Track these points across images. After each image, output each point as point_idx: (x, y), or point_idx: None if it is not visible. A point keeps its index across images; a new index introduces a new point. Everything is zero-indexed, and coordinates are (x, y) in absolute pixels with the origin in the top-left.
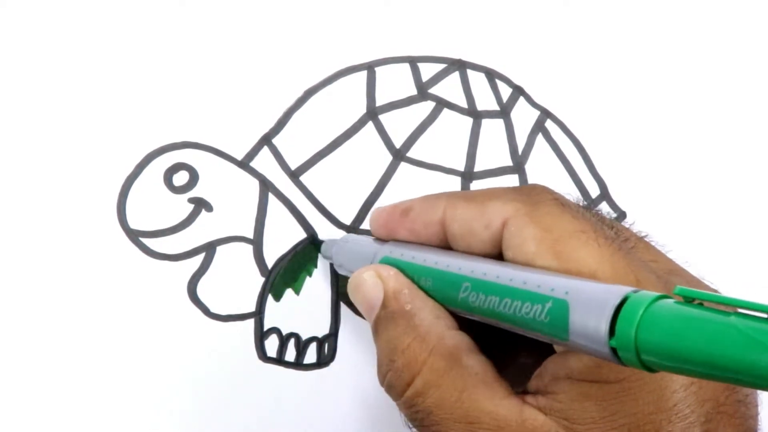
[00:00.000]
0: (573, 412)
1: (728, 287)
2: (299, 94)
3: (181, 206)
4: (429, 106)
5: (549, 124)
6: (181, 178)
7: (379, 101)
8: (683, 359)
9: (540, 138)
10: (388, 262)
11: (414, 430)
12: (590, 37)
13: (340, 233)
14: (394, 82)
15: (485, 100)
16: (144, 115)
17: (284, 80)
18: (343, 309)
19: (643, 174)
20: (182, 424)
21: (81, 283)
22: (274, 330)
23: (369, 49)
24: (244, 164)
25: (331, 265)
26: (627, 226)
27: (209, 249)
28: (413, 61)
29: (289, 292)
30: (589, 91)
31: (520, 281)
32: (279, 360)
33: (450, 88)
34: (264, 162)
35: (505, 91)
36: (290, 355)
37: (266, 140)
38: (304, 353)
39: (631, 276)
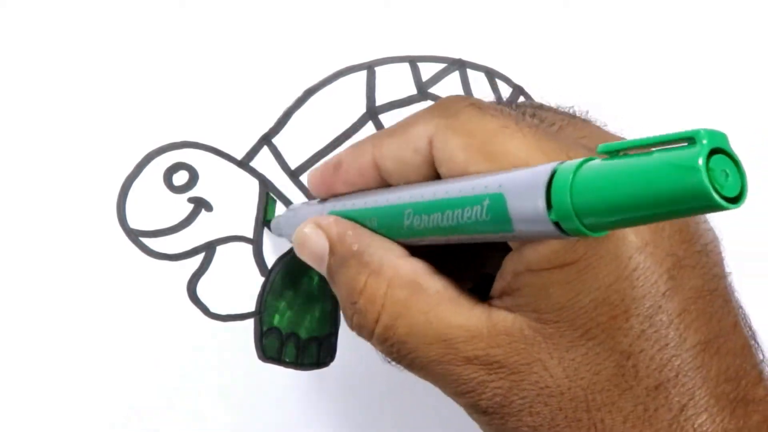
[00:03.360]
0: (539, 302)
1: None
2: (299, 93)
3: (181, 206)
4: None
5: None
6: (181, 178)
7: (379, 101)
8: (621, 208)
9: None
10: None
11: (393, 364)
12: (590, 38)
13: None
14: (394, 82)
15: (485, 100)
16: (144, 115)
17: (284, 80)
18: None
19: None
20: (182, 423)
21: (81, 283)
22: (274, 330)
23: (369, 48)
24: (244, 164)
25: None
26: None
27: (209, 249)
28: (413, 61)
29: (289, 293)
30: (589, 91)
31: (456, 191)
32: (279, 360)
33: (450, 88)
34: (264, 162)
35: (505, 91)
36: (290, 355)
37: (266, 140)
38: (304, 353)
39: (563, 155)
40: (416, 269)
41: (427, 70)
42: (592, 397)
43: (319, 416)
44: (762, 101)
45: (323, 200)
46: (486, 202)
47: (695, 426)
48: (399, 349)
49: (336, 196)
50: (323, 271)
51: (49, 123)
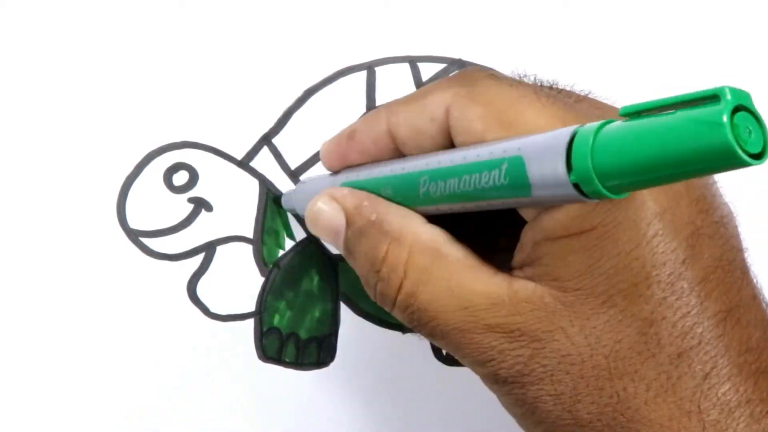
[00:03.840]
0: (559, 270)
1: None
2: (299, 93)
3: (181, 206)
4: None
5: None
6: (181, 178)
7: (379, 101)
8: (643, 168)
9: None
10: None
11: (415, 333)
12: (590, 38)
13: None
14: (394, 82)
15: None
16: (144, 115)
17: (284, 80)
18: (343, 309)
19: None
20: (182, 423)
21: (81, 283)
22: (274, 330)
23: (369, 49)
24: (244, 164)
25: (330, 263)
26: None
27: (209, 249)
28: (413, 61)
29: (288, 293)
30: (588, 91)
31: (474, 156)
32: (279, 360)
33: None
34: (264, 162)
35: None
36: (290, 355)
37: (266, 140)
38: (304, 353)
39: (582, 122)
40: (437, 236)
41: (427, 70)
42: (614, 365)
43: (319, 416)
44: (762, 100)
45: (335, 173)
46: (504, 166)
47: (719, 394)
48: (420, 317)
49: (348, 168)
50: (339, 244)
51: (49, 123)
